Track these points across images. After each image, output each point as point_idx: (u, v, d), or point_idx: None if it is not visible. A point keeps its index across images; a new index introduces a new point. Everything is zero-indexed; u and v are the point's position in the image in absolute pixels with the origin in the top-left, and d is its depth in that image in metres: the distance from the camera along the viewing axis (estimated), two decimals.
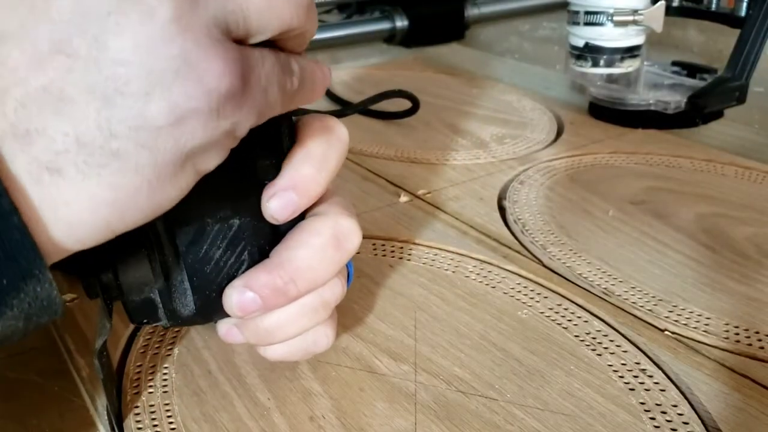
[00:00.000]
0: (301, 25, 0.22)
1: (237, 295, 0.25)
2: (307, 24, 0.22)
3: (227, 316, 0.26)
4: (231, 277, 0.26)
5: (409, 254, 0.40)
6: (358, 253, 0.39)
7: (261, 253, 0.26)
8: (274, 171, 0.25)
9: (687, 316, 0.34)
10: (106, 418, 0.28)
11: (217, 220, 0.25)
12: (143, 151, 0.19)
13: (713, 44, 0.86)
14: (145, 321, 0.26)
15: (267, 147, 0.25)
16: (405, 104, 0.61)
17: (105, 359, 0.27)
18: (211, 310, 0.26)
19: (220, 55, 0.19)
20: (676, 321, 0.34)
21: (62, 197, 0.18)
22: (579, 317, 0.34)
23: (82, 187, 0.18)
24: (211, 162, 0.21)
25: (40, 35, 0.18)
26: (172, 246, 0.24)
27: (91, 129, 0.18)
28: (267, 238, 0.26)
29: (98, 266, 0.24)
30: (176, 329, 0.33)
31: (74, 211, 0.19)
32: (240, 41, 0.20)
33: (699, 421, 0.28)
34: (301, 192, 0.25)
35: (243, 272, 0.26)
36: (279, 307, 0.26)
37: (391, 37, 0.91)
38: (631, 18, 0.55)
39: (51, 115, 0.18)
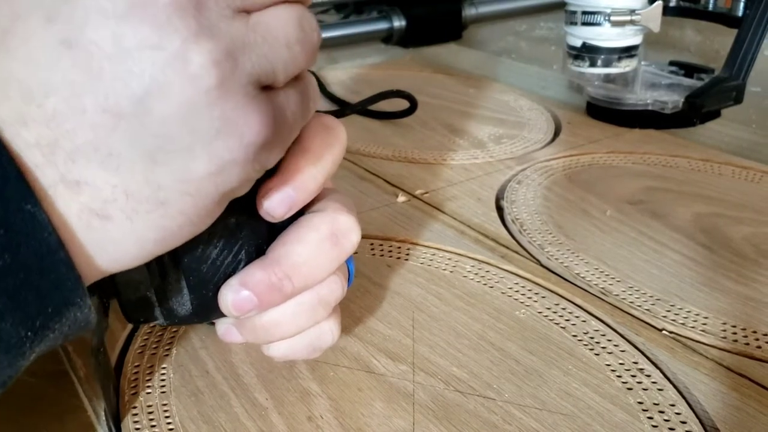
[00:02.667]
0: (314, 61, 0.23)
1: (232, 294, 0.25)
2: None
3: (225, 315, 0.26)
4: (228, 277, 0.25)
5: (407, 254, 0.40)
6: (355, 252, 0.39)
7: (258, 252, 0.26)
8: (271, 169, 0.25)
9: (685, 316, 0.34)
10: (104, 418, 0.28)
11: (216, 219, 0.24)
12: (187, 198, 0.20)
13: (710, 44, 0.86)
14: (141, 320, 0.26)
15: None
16: (403, 104, 0.61)
17: (102, 357, 0.27)
18: (208, 309, 0.26)
19: (257, 110, 0.20)
20: (673, 320, 0.34)
21: (110, 238, 0.20)
22: (577, 317, 0.34)
23: (130, 229, 0.20)
24: (242, 192, 0.22)
25: (85, 92, 0.18)
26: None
27: (138, 182, 0.19)
28: (264, 237, 0.26)
29: None
30: (174, 329, 0.33)
31: (121, 249, 0.20)
32: (269, 86, 0.21)
33: (697, 421, 0.28)
34: (297, 188, 0.25)
35: (237, 272, 0.25)
36: (275, 305, 0.26)
37: (388, 37, 0.91)
38: (628, 18, 0.55)
39: (99, 168, 0.19)
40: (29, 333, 0.19)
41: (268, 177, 0.25)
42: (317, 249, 0.26)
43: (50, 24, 0.18)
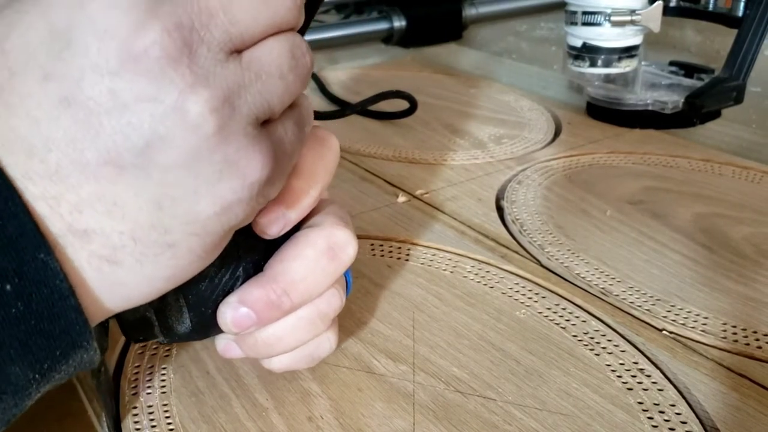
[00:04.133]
0: (307, 84, 0.23)
1: (231, 311, 0.25)
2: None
3: (223, 331, 0.26)
4: (226, 294, 0.25)
5: (407, 254, 0.40)
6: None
7: (256, 269, 0.26)
8: None
9: (685, 316, 0.34)
10: (104, 420, 0.28)
11: None
12: (194, 238, 0.20)
13: (710, 44, 0.86)
14: (141, 338, 0.26)
15: None
16: (403, 104, 0.61)
17: (103, 377, 0.27)
18: (207, 326, 0.26)
19: (258, 150, 0.20)
20: (674, 321, 0.34)
21: (121, 281, 0.20)
22: (577, 317, 0.34)
23: (140, 272, 0.20)
24: (247, 222, 0.23)
25: (86, 147, 0.19)
26: None
27: (145, 228, 0.20)
28: (262, 254, 0.26)
29: None
30: None
31: (131, 290, 0.21)
32: (267, 120, 0.21)
33: (697, 421, 0.28)
34: (291, 206, 0.25)
35: (238, 288, 0.26)
36: (274, 321, 0.26)
37: (389, 38, 0.91)
38: (628, 18, 0.55)
39: (105, 217, 0.19)
40: (37, 375, 0.19)
41: None
42: (315, 264, 0.26)
43: (47, 82, 0.18)
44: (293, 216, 0.25)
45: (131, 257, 0.20)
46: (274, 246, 0.26)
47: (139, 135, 0.18)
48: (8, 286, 0.18)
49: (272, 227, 0.25)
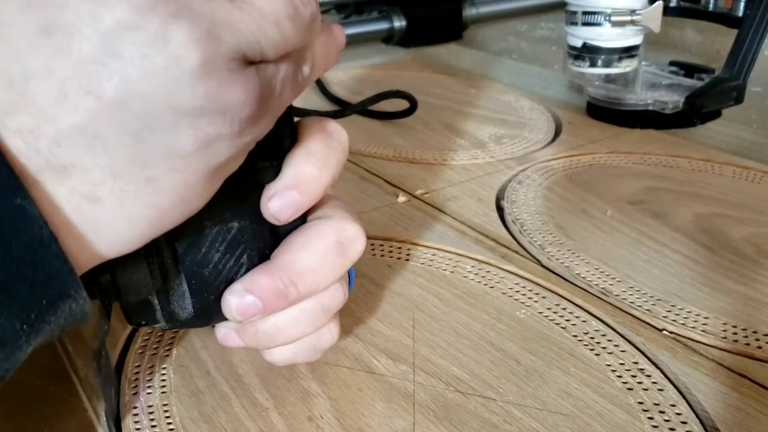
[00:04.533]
0: (310, 40, 0.22)
1: (236, 299, 0.25)
2: (316, 33, 0.23)
3: (226, 319, 0.26)
4: (230, 281, 0.25)
5: (408, 254, 0.40)
6: None
7: (260, 257, 0.26)
8: (274, 173, 0.25)
9: (685, 316, 0.34)
10: (104, 418, 0.28)
11: (216, 223, 0.25)
12: (176, 174, 0.20)
13: (711, 44, 0.86)
14: (142, 323, 0.26)
15: (267, 148, 0.24)
16: (403, 104, 0.61)
17: (104, 360, 0.27)
18: (209, 313, 0.26)
19: (241, 85, 0.20)
20: (674, 321, 0.34)
21: (102, 221, 0.20)
22: (577, 317, 0.34)
23: (121, 210, 0.20)
24: (233, 167, 0.22)
25: (66, 77, 0.18)
26: (171, 249, 0.24)
27: (125, 162, 0.19)
28: (266, 242, 0.26)
29: (96, 268, 0.24)
30: (174, 330, 0.33)
31: (114, 231, 0.20)
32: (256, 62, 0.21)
33: (697, 421, 0.28)
34: (303, 191, 0.25)
35: (242, 276, 0.25)
36: (279, 311, 0.26)
37: (389, 38, 0.91)
38: (628, 18, 0.55)
39: (84, 151, 0.19)
40: (24, 326, 0.19)
41: (272, 180, 0.25)
42: (324, 257, 0.26)
43: (29, 9, 0.18)
44: (304, 202, 0.25)
45: (111, 194, 0.19)
46: (278, 236, 0.26)
47: (120, 65, 0.18)
48: None
49: (283, 212, 0.25)
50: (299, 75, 0.23)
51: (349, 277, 0.29)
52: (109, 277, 0.24)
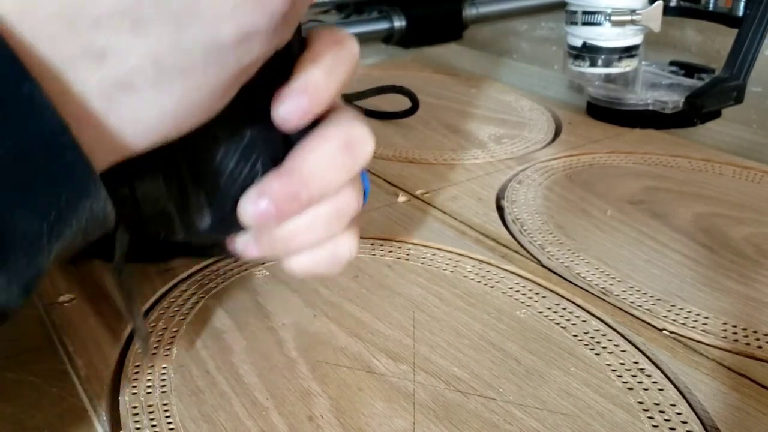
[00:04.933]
0: None
1: (251, 205, 0.25)
2: None
3: (242, 230, 0.26)
4: (245, 189, 0.25)
5: (408, 254, 0.40)
6: (359, 251, 0.39)
7: (274, 164, 0.26)
8: (283, 79, 0.25)
9: (685, 316, 0.34)
10: (104, 417, 0.28)
11: (229, 131, 0.25)
12: (210, 68, 0.20)
13: (711, 44, 0.86)
14: (162, 234, 0.26)
15: (277, 56, 0.24)
16: (404, 104, 0.61)
17: (125, 275, 0.26)
18: (227, 223, 0.26)
19: None
20: (674, 320, 0.34)
21: (131, 111, 0.20)
22: (577, 317, 0.34)
23: (154, 101, 0.20)
24: (253, 71, 0.22)
25: None
26: (186, 159, 0.25)
27: (166, 48, 0.19)
28: (279, 149, 0.26)
29: (114, 180, 0.23)
30: (174, 328, 0.33)
31: (141, 123, 0.20)
32: None
33: (697, 421, 0.28)
34: (311, 95, 0.25)
35: (254, 185, 0.25)
36: (293, 215, 0.26)
37: (389, 38, 0.91)
38: (628, 18, 0.55)
39: (127, 34, 0.18)
40: (45, 226, 0.19)
41: (280, 86, 0.25)
42: (332, 158, 0.26)
43: None
44: (312, 107, 0.25)
45: (146, 83, 0.19)
46: (290, 143, 0.26)
47: None
48: None
49: (292, 116, 0.25)
50: None
51: (364, 189, 0.29)
52: (128, 190, 0.24)
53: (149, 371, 0.31)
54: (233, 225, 0.26)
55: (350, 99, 0.61)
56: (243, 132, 0.25)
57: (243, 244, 0.27)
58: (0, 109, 0.17)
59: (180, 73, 0.19)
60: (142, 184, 0.24)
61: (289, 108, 0.25)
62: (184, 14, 0.19)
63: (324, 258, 0.28)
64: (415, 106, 0.61)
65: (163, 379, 0.30)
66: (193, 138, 0.23)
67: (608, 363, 0.31)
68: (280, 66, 0.25)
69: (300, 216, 0.26)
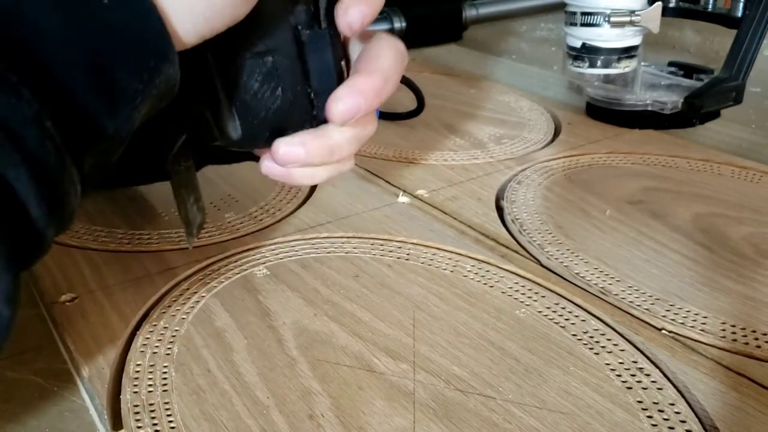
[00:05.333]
0: None
1: (342, 103, 0.28)
2: None
3: (269, 145, 0.30)
4: (268, 110, 0.29)
5: (408, 254, 0.40)
6: (356, 253, 0.39)
7: (294, 94, 0.29)
8: (307, 17, 0.28)
9: (684, 315, 0.35)
10: (105, 416, 0.28)
11: (253, 54, 0.28)
12: None
13: (710, 45, 0.86)
14: (203, 138, 0.30)
15: None
16: (404, 104, 0.61)
17: (180, 171, 0.31)
18: (255, 136, 0.30)
19: None
20: (673, 320, 0.34)
21: (174, 6, 0.23)
22: (576, 316, 0.34)
23: (185, 1, 0.23)
24: None
25: None
26: (218, 74, 0.28)
27: None
28: (299, 81, 0.29)
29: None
30: (175, 328, 0.33)
31: (176, 19, 0.23)
32: None
33: (696, 420, 0.28)
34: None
35: (278, 108, 0.29)
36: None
37: None
38: (628, 19, 0.55)
39: None
40: (140, 85, 0.23)
41: (304, 25, 0.29)
42: (396, 62, 0.29)
43: None
44: (369, 11, 0.28)
45: None
46: (309, 78, 0.29)
47: None
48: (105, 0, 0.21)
49: (357, 21, 0.28)
50: None
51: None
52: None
53: (150, 370, 0.31)
54: (260, 139, 0.30)
55: None
56: (265, 57, 0.28)
57: (290, 148, 0.30)
58: None
59: None
60: (186, 87, 0.27)
61: (354, 15, 0.28)
62: None
63: (332, 172, 0.32)
64: (420, 107, 0.61)
65: (165, 378, 0.30)
66: (223, 55, 0.28)
67: (607, 362, 0.31)
68: (306, 3, 0.28)
69: (343, 130, 0.30)
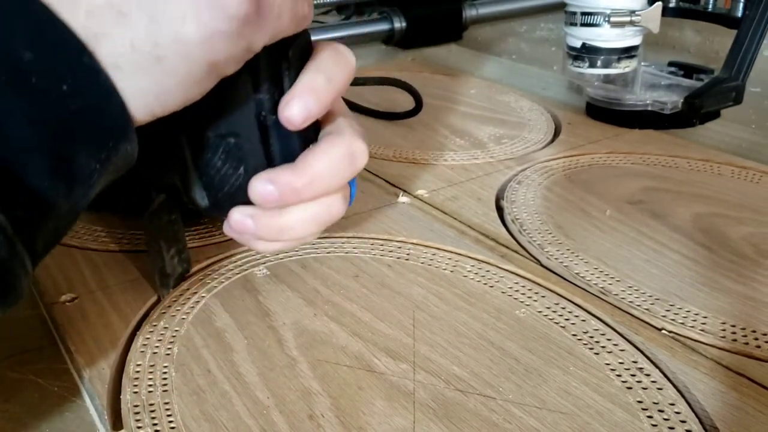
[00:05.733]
0: None
1: (260, 185, 0.29)
2: None
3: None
4: (232, 185, 0.31)
5: (408, 254, 0.40)
6: (356, 253, 0.39)
7: (255, 170, 0.30)
8: (271, 105, 0.29)
9: (684, 315, 0.35)
10: (105, 417, 0.28)
11: (217, 135, 0.30)
12: (180, 59, 0.23)
13: (710, 45, 0.86)
14: (173, 199, 0.33)
15: (267, 83, 0.29)
16: (405, 104, 0.61)
17: (154, 225, 0.33)
18: (220, 208, 0.31)
19: None
20: (673, 320, 0.34)
21: (126, 87, 0.23)
22: (576, 316, 0.34)
23: (135, 82, 0.23)
24: (230, 69, 0.26)
25: None
26: (188, 147, 0.30)
27: (142, 39, 0.23)
28: (261, 160, 0.30)
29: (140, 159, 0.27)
30: (176, 328, 0.33)
31: (127, 98, 0.23)
32: None
33: (696, 420, 0.28)
34: (315, 99, 0.29)
35: (240, 185, 0.30)
36: (291, 204, 0.30)
37: (389, 38, 0.92)
38: (628, 19, 0.55)
39: (112, 24, 0.22)
40: (97, 165, 0.23)
41: (268, 112, 0.29)
42: (336, 163, 0.30)
43: None
44: (316, 108, 0.29)
45: (129, 65, 0.23)
46: (271, 157, 0.30)
47: None
48: (65, 86, 0.22)
49: (296, 117, 0.28)
50: (299, 8, 0.27)
51: (351, 192, 0.34)
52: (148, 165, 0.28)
53: (150, 370, 0.31)
54: (225, 210, 0.31)
55: (354, 84, 0.61)
56: (228, 139, 0.30)
57: (239, 219, 0.31)
58: (71, 74, 0.22)
59: (154, 61, 0.23)
60: (160, 155, 0.30)
61: (297, 109, 0.28)
62: (157, 11, 0.23)
63: (292, 245, 0.34)
64: (418, 107, 0.61)
65: (165, 378, 0.30)
66: (191, 134, 0.30)
67: (607, 362, 0.31)
68: (268, 91, 0.29)
69: (301, 211, 0.31)
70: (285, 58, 0.29)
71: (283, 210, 0.31)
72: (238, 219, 0.31)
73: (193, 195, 0.32)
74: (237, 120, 0.29)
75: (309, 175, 0.30)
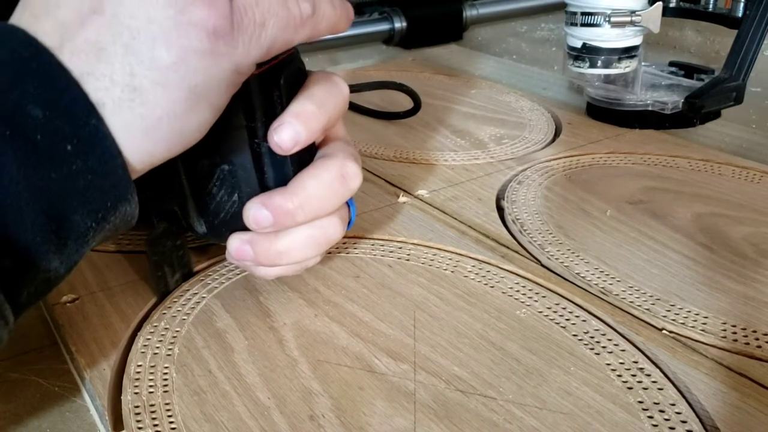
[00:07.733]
0: None
1: (253, 210, 0.30)
2: None
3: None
4: (227, 212, 0.31)
5: (408, 254, 0.40)
6: (357, 253, 0.39)
7: (249, 197, 0.31)
8: (262, 132, 0.30)
9: (685, 315, 0.35)
10: (106, 417, 0.28)
11: (211, 163, 0.30)
12: (158, 87, 0.23)
13: (710, 45, 0.86)
14: (174, 228, 0.34)
15: (259, 111, 0.29)
16: (405, 104, 0.61)
17: (156, 249, 0.34)
18: (218, 234, 0.32)
19: (208, 3, 0.23)
20: (673, 320, 0.34)
21: (114, 126, 0.23)
22: (577, 316, 0.34)
23: (120, 117, 0.23)
24: (222, 96, 0.25)
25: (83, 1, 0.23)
26: (185, 175, 0.31)
27: (119, 71, 0.23)
28: (255, 188, 0.31)
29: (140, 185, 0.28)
30: (176, 329, 0.33)
31: (116, 137, 0.23)
32: None
33: (697, 420, 0.28)
34: (304, 124, 0.29)
35: (236, 212, 0.31)
36: (287, 227, 0.31)
37: (389, 39, 0.92)
38: (628, 19, 0.55)
39: (94, 61, 0.22)
40: (93, 224, 0.23)
41: (260, 139, 0.30)
42: (328, 186, 0.31)
43: None
44: (303, 135, 0.29)
45: (111, 101, 0.23)
46: (265, 184, 0.31)
47: None
48: (69, 147, 0.22)
49: (286, 142, 0.29)
50: (293, 8, 0.25)
51: (350, 215, 0.34)
52: (148, 193, 0.28)
53: (151, 371, 0.31)
54: (223, 236, 0.32)
55: (352, 90, 0.62)
56: (222, 166, 0.30)
57: (238, 246, 0.32)
58: (76, 136, 0.22)
59: (132, 92, 0.23)
60: (160, 183, 0.30)
61: (285, 135, 0.28)
62: (131, 41, 0.22)
63: (294, 270, 0.34)
64: (417, 106, 0.61)
65: (165, 379, 0.30)
66: (186, 162, 0.30)
67: (608, 362, 0.31)
68: (260, 119, 0.29)
69: (297, 235, 0.31)
70: (276, 86, 0.29)
71: (279, 234, 0.31)
72: (236, 246, 0.31)
73: (191, 221, 0.32)
74: (230, 148, 0.30)
75: (301, 197, 0.30)
